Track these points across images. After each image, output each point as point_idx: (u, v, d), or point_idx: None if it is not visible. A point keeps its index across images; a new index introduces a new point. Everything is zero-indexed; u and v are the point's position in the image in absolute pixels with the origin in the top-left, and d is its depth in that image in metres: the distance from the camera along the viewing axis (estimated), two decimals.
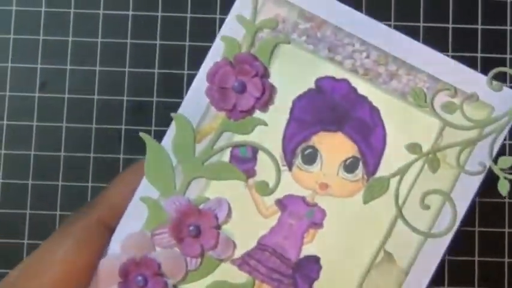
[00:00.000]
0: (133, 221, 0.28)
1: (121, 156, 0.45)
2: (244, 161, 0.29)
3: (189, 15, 0.44)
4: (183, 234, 0.28)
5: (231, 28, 0.29)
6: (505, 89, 0.28)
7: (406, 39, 0.29)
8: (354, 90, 0.29)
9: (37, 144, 0.45)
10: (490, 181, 0.28)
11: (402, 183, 0.28)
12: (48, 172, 0.44)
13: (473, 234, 0.42)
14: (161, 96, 0.44)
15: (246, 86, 0.28)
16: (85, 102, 0.45)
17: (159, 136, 0.29)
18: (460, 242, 0.42)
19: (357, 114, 0.28)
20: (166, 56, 0.45)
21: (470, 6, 0.44)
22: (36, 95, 0.45)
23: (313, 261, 0.28)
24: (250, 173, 0.29)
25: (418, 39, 0.28)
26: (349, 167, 0.29)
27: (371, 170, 0.28)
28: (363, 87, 0.29)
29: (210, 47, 0.29)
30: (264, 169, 0.29)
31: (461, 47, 0.43)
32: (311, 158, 0.29)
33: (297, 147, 0.29)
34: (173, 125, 0.29)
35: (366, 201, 0.28)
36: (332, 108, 0.29)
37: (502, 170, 0.28)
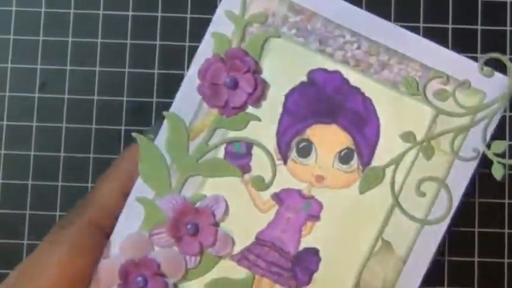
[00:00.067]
0: (130, 222, 0.28)
1: None
2: (239, 156, 0.29)
3: (189, 15, 0.44)
4: (181, 233, 0.28)
5: (220, 24, 0.28)
6: (496, 74, 0.28)
7: (397, 28, 0.28)
8: (346, 81, 0.29)
9: (37, 144, 0.45)
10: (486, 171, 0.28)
11: (397, 172, 0.28)
12: (48, 172, 0.44)
13: (473, 235, 0.43)
14: (161, 96, 0.44)
15: (238, 82, 0.28)
16: (85, 103, 0.45)
17: None
18: (460, 243, 0.43)
19: (350, 105, 0.28)
20: (166, 56, 0.45)
21: (470, 7, 0.44)
22: (36, 95, 0.45)
23: (312, 254, 0.28)
24: (245, 169, 0.29)
25: None
26: (344, 158, 0.29)
27: (366, 160, 0.29)
28: (354, 78, 0.28)
29: None
30: (259, 164, 0.29)
31: (460, 48, 0.43)
32: (306, 150, 0.29)
33: (291, 141, 0.29)
34: (166, 123, 0.29)
35: (362, 192, 0.28)
36: (325, 101, 0.28)
37: (495, 154, 0.28)
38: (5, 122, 0.45)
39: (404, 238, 0.28)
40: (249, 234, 0.28)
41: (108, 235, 0.28)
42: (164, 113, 0.29)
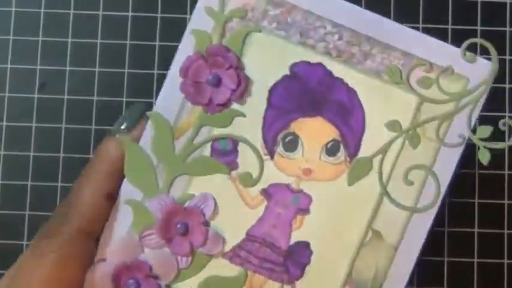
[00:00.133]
0: (119, 224, 0.28)
1: None
2: (225, 153, 0.28)
3: (188, 16, 0.44)
4: (171, 234, 0.28)
5: (200, 20, 0.28)
6: (479, 59, 0.28)
7: (377, 17, 0.28)
8: (329, 73, 0.28)
9: (36, 145, 0.44)
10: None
11: (385, 162, 0.28)
12: (48, 173, 0.44)
13: (472, 236, 0.43)
14: None
15: (220, 79, 0.28)
16: (84, 104, 0.45)
17: None
18: (459, 244, 0.43)
19: (334, 97, 0.28)
20: (166, 57, 0.44)
21: (469, 8, 0.44)
22: (36, 96, 0.45)
23: (304, 247, 0.28)
24: (232, 166, 0.28)
25: None
26: (331, 150, 0.29)
27: (353, 151, 0.28)
28: (338, 69, 0.28)
29: None
30: (246, 160, 0.28)
31: None
32: (292, 144, 0.29)
33: (277, 135, 0.28)
34: (150, 124, 0.28)
35: (350, 183, 0.28)
36: (309, 93, 0.28)
37: (481, 139, 0.28)
38: (4, 123, 0.45)
39: (394, 227, 0.28)
40: (240, 231, 0.28)
41: (96, 240, 0.28)
42: (148, 113, 0.29)
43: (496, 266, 0.43)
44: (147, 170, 0.28)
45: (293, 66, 0.28)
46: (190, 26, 0.28)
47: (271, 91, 0.28)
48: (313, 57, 0.28)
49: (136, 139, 0.28)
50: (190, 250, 0.28)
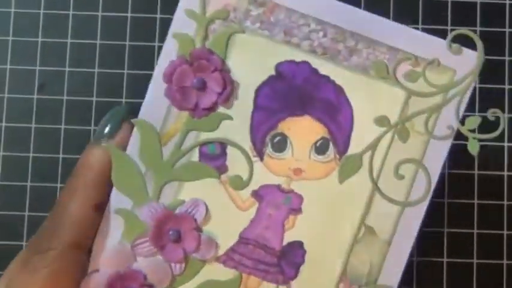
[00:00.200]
0: (110, 234, 0.28)
1: None
2: (214, 157, 0.28)
3: None
4: (163, 241, 0.27)
5: (182, 24, 0.28)
6: (465, 50, 0.28)
7: (361, 12, 0.28)
8: (315, 71, 0.28)
9: (36, 146, 0.44)
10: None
11: (375, 157, 0.28)
12: (47, 174, 0.44)
13: (472, 237, 0.43)
14: None
15: (206, 82, 0.27)
16: (84, 104, 0.44)
17: None
18: (459, 245, 0.43)
19: (321, 95, 0.28)
20: None
21: (468, 9, 0.44)
22: (35, 96, 0.45)
23: (297, 247, 0.28)
24: (221, 169, 0.28)
25: None
26: (320, 148, 0.28)
27: (342, 148, 0.28)
28: (324, 67, 0.28)
29: None
30: (236, 163, 0.28)
31: None
32: (281, 145, 0.28)
33: (265, 136, 0.28)
34: (136, 131, 0.28)
35: (341, 181, 0.28)
36: (295, 92, 0.28)
37: (469, 130, 0.28)
38: (3, 124, 0.45)
39: (386, 222, 0.28)
40: (232, 234, 0.28)
41: (88, 251, 0.28)
42: (133, 120, 0.28)
43: (495, 266, 0.43)
44: (136, 178, 0.28)
45: (278, 66, 0.28)
46: (172, 30, 0.28)
47: (258, 92, 0.28)
48: (299, 56, 0.28)
49: (120, 144, 0.28)
50: (184, 256, 0.27)
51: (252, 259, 0.28)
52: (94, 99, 0.45)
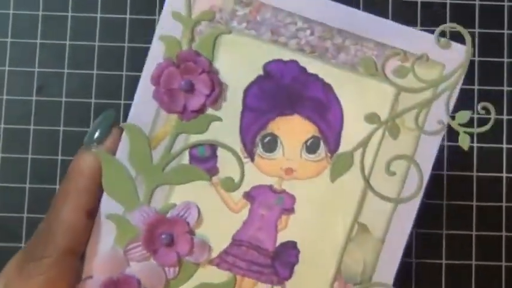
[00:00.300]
0: (102, 240, 0.28)
1: None
2: (204, 160, 0.28)
3: None
4: (156, 245, 0.27)
5: (168, 26, 0.27)
6: (453, 44, 0.28)
7: (347, 9, 0.28)
8: (304, 69, 0.28)
9: (34, 147, 0.45)
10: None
11: (366, 155, 0.28)
12: (46, 175, 0.44)
13: (470, 238, 0.43)
14: None
15: (193, 85, 0.27)
16: (82, 106, 0.45)
17: None
18: (458, 246, 0.43)
19: (310, 93, 0.28)
20: None
21: (467, 11, 0.44)
22: (34, 98, 0.45)
23: (291, 247, 0.28)
24: (212, 171, 0.28)
25: None
26: (311, 147, 0.28)
27: (333, 147, 0.28)
28: (312, 65, 0.28)
29: None
30: (226, 164, 0.28)
31: None
32: (271, 145, 0.28)
33: (255, 137, 0.28)
34: (125, 135, 0.28)
35: (333, 179, 0.28)
36: (284, 92, 0.28)
37: (460, 125, 0.28)
38: (2, 125, 0.45)
39: (379, 219, 0.28)
40: (225, 237, 0.28)
41: (82, 257, 0.28)
42: (122, 124, 0.28)
43: (494, 268, 0.43)
44: (126, 182, 0.28)
45: (266, 66, 0.28)
46: (158, 32, 0.28)
47: (246, 92, 0.28)
48: (286, 55, 0.28)
49: (111, 150, 0.28)
50: (177, 260, 0.27)
51: (246, 261, 0.28)
52: (92, 100, 0.45)
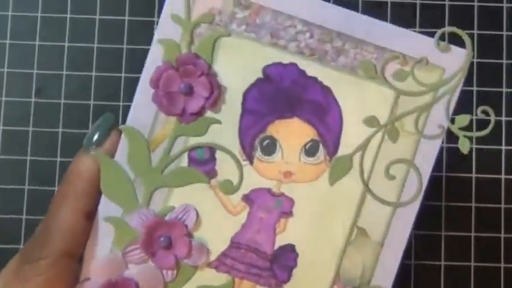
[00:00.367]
0: (101, 242, 0.28)
1: None
2: (203, 162, 0.28)
3: None
4: (154, 248, 0.27)
5: (167, 29, 0.27)
6: (453, 48, 0.28)
7: (347, 12, 0.28)
8: (303, 72, 0.28)
9: (33, 149, 0.45)
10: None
11: (365, 158, 0.28)
12: (45, 177, 0.44)
13: (469, 240, 0.43)
14: None
15: (193, 87, 0.27)
16: (81, 108, 0.45)
17: None
18: (457, 247, 0.43)
19: (309, 96, 0.28)
20: None
21: (466, 12, 0.44)
22: (33, 100, 0.45)
23: (289, 250, 0.28)
24: (211, 174, 0.28)
25: None
26: (310, 150, 0.28)
27: (332, 150, 0.28)
28: (311, 68, 0.28)
29: None
30: (225, 167, 0.28)
31: None
32: (270, 148, 0.28)
33: (254, 140, 0.28)
34: (124, 138, 0.28)
35: (332, 183, 0.28)
36: (283, 95, 0.28)
37: (460, 129, 0.28)
38: (1, 127, 0.45)
39: (378, 223, 0.28)
40: (224, 239, 0.28)
41: (80, 259, 0.27)
42: (121, 127, 0.28)
43: (493, 270, 0.43)
44: (125, 185, 0.28)
45: (266, 69, 0.28)
46: (157, 35, 0.27)
47: (246, 95, 0.28)
48: (286, 58, 0.28)
49: (109, 152, 0.28)
50: (175, 263, 0.27)
51: (244, 263, 0.28)
52: (91, 102, 0.45)
